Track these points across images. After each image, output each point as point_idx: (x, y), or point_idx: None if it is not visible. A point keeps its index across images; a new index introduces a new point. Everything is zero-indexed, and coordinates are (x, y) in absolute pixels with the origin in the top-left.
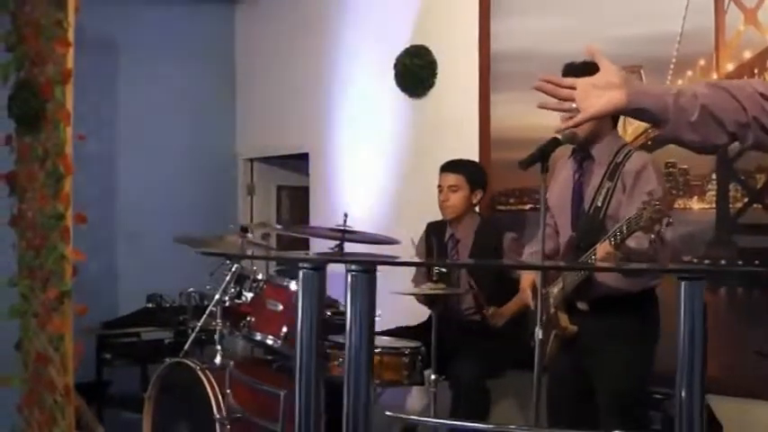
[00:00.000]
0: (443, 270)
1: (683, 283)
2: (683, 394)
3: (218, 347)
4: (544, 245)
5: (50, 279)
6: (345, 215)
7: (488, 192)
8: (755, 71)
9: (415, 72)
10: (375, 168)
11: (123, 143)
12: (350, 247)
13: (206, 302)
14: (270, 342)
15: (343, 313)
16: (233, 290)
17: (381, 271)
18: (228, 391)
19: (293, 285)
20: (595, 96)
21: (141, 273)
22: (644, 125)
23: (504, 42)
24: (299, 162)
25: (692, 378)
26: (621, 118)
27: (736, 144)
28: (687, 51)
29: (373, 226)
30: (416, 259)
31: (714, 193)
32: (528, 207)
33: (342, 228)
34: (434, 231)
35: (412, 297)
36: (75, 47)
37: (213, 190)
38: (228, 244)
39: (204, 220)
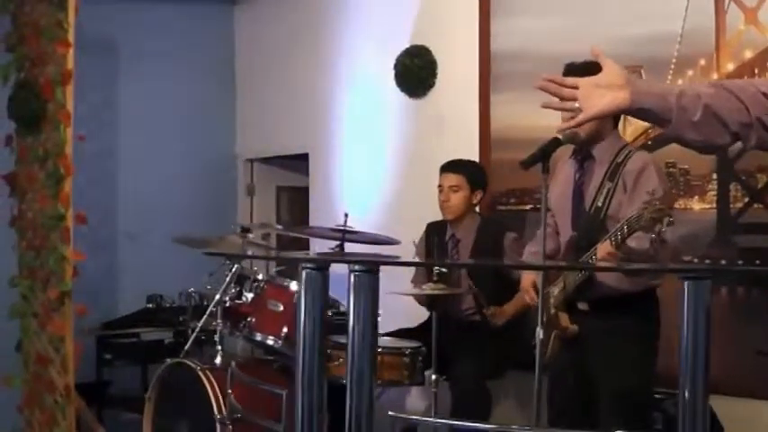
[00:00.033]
0: (444, 270)
1: (686, 282)
2: (687, 394)
3: (219, 348)
4: (545, 245)
5: (51, 279)
6: (346, 215)
7: (489, 192)
8: (756, 71)
9: (415, 72)
10: (375, 168)
11: (123, 144)
12: (350, 248)
13: (206, 303)
14: (270, 342)
15: (343, 313)
16: (233, 290)
17: (381, 271)
18: (230, 391)
19: (294, 286)
20: (598, 96)
21: (141, 273)
22: (644, 125)
23: (504, 42)
24: (298, 162)
25: (696, 378)
26: (622, 118)
27: (738, 144)
28: (687, 51)
29: (373, 226)
30: (418, 259)
31: (714, 192)
32: (528, 207)
33: (342, 228)
34: (435, 231)
35: (411, 298)
36: (76, 47)
37: (213, 190)
38: (229, 244)
39: (204, 221)
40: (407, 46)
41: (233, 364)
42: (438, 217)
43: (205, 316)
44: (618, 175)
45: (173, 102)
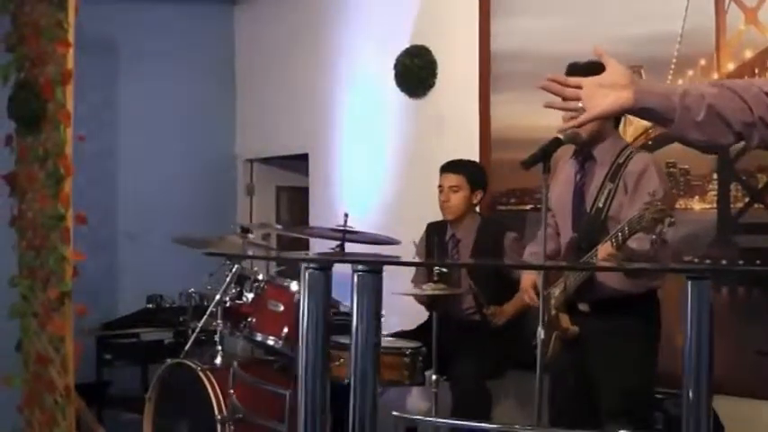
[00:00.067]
0: (444, 270)
1: (690, 282)
2: (691, 393)
3: (219, 348)
4: (545, 245)
5: (51, 279)
6: (346, 215)
7: (489, 192)
8: (756, 71)
9: (415, 72)
10: (375, 168)
11: (123, 144)
12: (350, 248)
13: (206, 303)
14: (271, 343)
15: (343, 314)
16: (233, 290)
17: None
18: (232, 391)
19: (294, 286)
20: (601, 96)
21: (141, 273)
22: (644, 125)
23: (504, 42)
24: (298, 162)
25: (700, 377)
26: (622, 118)
27: (740, 143)
28: (688, 51)
29: (373, 226)
30: (418, 259)
31: (715, 192)
32: (528, 207)
33: (342, 228)
34: (435, 231)
35: (410, 299)
36: (76, 47)
37: (213, 190)
38: (229, 244)
39: (204, 221)
40: (407, 46)
41: (235, 364)
42: (438, 217)
43: (205, 316)
44: (619, 176)
45: (173, 102)
